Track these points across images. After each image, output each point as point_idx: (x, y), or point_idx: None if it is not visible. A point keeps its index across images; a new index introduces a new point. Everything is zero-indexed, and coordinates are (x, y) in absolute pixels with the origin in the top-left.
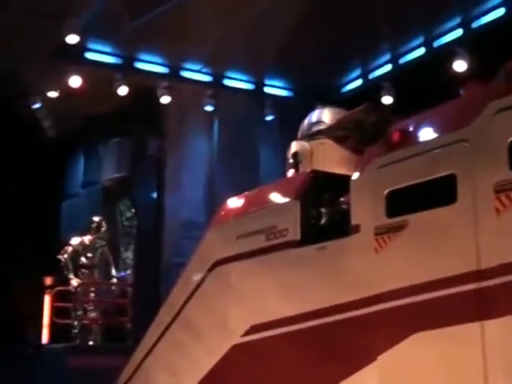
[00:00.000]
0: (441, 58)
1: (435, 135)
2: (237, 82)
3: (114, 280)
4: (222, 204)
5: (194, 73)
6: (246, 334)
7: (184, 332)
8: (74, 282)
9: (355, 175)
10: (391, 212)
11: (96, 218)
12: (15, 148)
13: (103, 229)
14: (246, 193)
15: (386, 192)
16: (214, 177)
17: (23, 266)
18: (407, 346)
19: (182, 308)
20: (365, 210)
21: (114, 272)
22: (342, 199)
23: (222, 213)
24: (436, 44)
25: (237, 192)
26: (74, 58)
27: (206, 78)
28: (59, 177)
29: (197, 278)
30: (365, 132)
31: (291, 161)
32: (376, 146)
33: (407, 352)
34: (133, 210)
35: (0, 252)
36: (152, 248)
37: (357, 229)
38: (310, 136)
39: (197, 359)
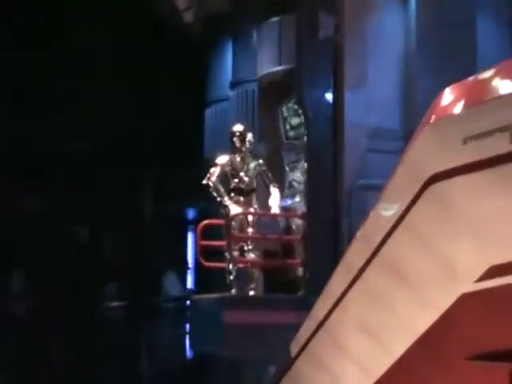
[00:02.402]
0: None
1: None
2: None
3: (278, 209)
4: (439, 95)
5: None
6: (484, 278)
7: (386, 278)
8: (233, 208)
9: None
10: None
11: (237, 127)
12: (145, 40)
13: (246, 142)
14: (475, 76)
15: None
16: (412, 67)
17: (161, 195)
18: None
19: (381, 245)
20: None
21: (277, 199)
22: None
23: (439, 107)
24: None
25: (444, 87)
26: None
27: None
28: (200, 77)
29: (402, 201)
30: None
31: None
32: None
33: None
34: (301, 116)
35: (135, 175)
36: (328, 166)
37: None
38: None
39: (406, 315)
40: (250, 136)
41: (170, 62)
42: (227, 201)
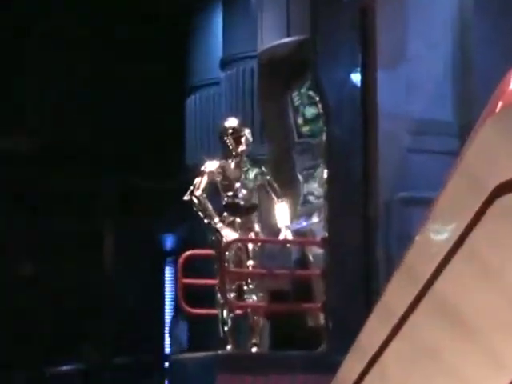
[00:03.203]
0: None
1: None
2: None
3: (289, 234)
4: (507, 74)
5: None
6: None
7: (439, 325)
8: (227, 232)
9: None
10: None
11: (231, 122)
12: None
13: (243, 142)
14: None
15: None
16: (468, 34)
17: (127, 216)
18: None
19: (432, 280)
20: None
21: (287, 220)
22: None
23: (508, 90)
24: None
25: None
26: None
27: None
28: (179, 53)
29: (460, 221)
30: None
31: None
32: None
33: None
34: (318, 106)
35: (91, 189)
36: (356, 173)
37: None
38: None
39: (470, 377)
40: (247, 134)
41: (140, 33)
42: (218, 223)
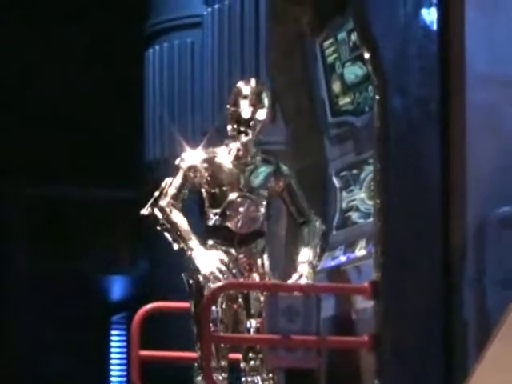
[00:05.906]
0: None
1: None
2: None
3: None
4: None
5: None
6: None
7: None
8: (212, 272)
9: None
10: None
11: (248, 84)
12: None
13: (257, 119)
14: None
15: None
16: None
17: (46, 242)
18: None
19: None
20: None
21: (314, 252)
22: None
23: None
24: None
25: None
26: None
27: None
28: None
29: None
30: None
31: None
32: None
33: None
34: (365, 63)
35: None
36: (429, 177)
37: None
38: None
39: None
40: (265, 102)
41: None
42: (198, 253)
